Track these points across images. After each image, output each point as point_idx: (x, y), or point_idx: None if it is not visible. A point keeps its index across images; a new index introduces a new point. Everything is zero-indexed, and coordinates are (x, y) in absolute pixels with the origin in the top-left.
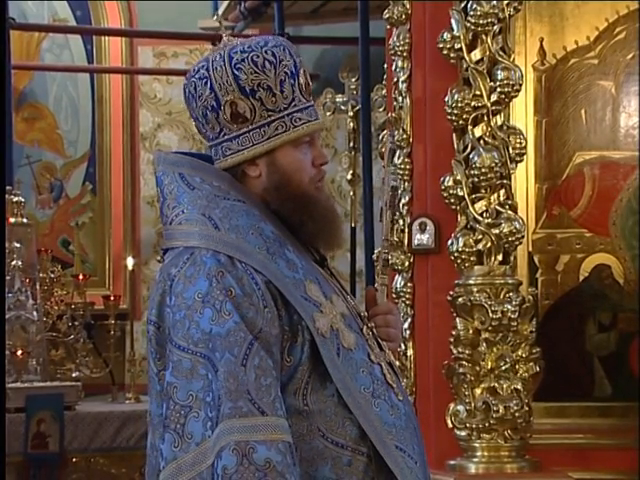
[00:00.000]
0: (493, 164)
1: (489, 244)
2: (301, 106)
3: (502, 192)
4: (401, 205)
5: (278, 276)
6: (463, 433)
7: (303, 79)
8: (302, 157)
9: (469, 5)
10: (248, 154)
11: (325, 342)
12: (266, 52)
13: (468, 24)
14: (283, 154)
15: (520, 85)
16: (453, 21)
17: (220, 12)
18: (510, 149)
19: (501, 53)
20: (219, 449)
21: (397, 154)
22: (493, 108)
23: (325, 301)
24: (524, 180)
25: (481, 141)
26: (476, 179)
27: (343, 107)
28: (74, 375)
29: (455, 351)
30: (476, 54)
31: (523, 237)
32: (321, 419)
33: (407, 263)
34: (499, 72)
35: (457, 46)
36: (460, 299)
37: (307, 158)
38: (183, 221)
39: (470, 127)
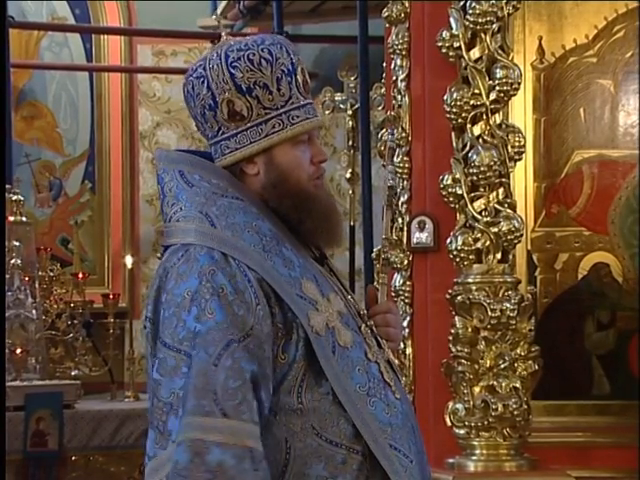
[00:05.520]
0: (492, 162)
1: (488, 242)
2: (299, 104)
3: (501, 190)
4: (400, 203)
5: (272, 274)
6: (462, 431)
7: (301, 77)
8: (300, 155)
9: (468, 4)
10: (245, 152)
11: (320, 340)
12: (262, 50)
13: (467, 23)
14: (281, 152)
15: (519, 84)
16: (452, 20)
17: (219, 11)
18: (509, 147)
19: (500, 52)
20: (177, 444)
21: (396, 153)
22: (492, 107)
23: (322, 299)
24: (523, 178)
25: (480, 139)
26: (475, 177)
27: (342, 106)
28: (73, 373)
29: (454, 349)
30: (475, 53)
31: (522, 235)
32: (315, 417)
33: (406, 261)
34: (498, 71)
35: (456, 45)
36: (459, 297)
37: (305, 156)
38: (181, 218)
39: (469, 126)
